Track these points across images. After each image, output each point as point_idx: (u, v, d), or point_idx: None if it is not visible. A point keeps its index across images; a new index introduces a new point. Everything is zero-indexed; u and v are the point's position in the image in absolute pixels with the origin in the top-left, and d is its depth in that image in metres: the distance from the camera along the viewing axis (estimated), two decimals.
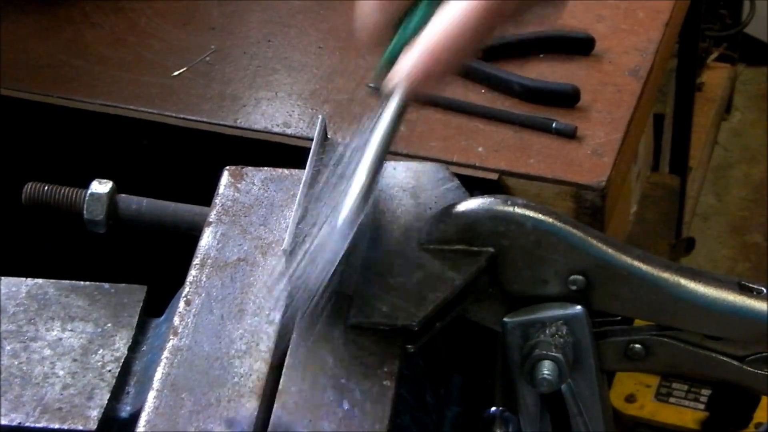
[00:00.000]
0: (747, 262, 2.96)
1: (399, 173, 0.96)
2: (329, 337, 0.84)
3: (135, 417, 0.82)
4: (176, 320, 0.87)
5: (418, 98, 0.82)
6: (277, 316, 0.86)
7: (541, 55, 1.43)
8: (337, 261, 0.79)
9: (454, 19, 0.80)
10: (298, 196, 0.87)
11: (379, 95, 0.83)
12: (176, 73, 1.43)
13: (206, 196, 0.99)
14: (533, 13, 0.85)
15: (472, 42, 0.80)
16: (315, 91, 1.40)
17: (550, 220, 0.86)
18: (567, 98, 1.35)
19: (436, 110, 1.34)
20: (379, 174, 0.82)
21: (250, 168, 1.00)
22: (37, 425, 0.85)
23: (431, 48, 0.79)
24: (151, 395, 0.82)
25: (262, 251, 0.92)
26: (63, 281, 0.96)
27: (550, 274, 0.87)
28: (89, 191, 1.02)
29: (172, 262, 0.93)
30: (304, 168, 0.91)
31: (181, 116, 1.36)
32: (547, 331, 0.87)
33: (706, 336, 0.89)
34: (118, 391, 0.88)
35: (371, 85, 0.84)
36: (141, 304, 0.95)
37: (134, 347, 0.92)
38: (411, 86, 0.81)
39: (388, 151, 0.82)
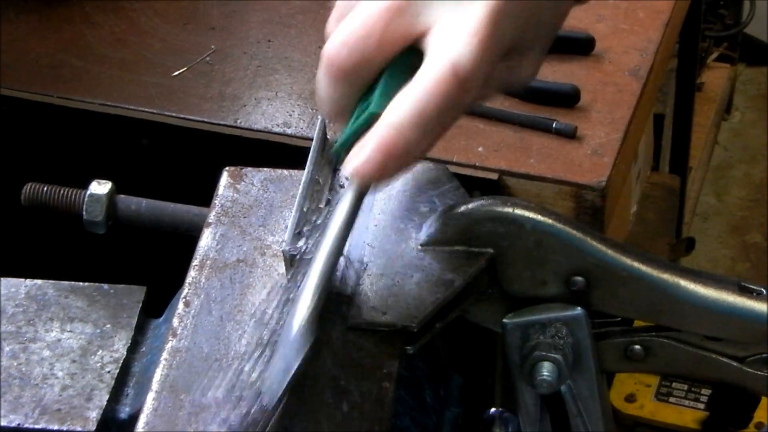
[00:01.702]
0: (747, 262, 2.96)
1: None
2: (328, 338, 0.84)
3: (134, 418, 0.82)
4: (175, 321, 0.86)
5: (378, 185, 0.78)
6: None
7: None
8: (294, 370, 0.74)
9: (414, 101, 0.74)
10: (298, 198, 0.86)
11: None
12: (176, 73, 1.43)
13: (206, 197, 0.99)
14: (505, 83, 0.81)
15: (435, 127, 0.75)
16: (315, 91, 1.39)
17: (550, 220, 0.86)
18: (567, 98, 1.35)
19: None
20: (335, 268, 0.78)
21: (249, 168, 0.99)
22: (36, 426, 0.85)
23: (384, 142, 0.74)
24: (150, 396, 0.82)
25: (261, 252, 0.92)
26: (62, 282, 0.96)
27: (550, 275, 0.87)
28: (88, 192, 1.02)
29: (172, 263, 0.93)
30: (304, 169, 0.91)
31: (181, 116, 1.36)
32: (546, 332, 0.87)
33: (706, 337, 0.89)
34: (117, 393, 0.88)
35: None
36: (140, 305, 0.95)
37: (133, 348, 0.92)
38: (363, 182, 0.77)
39: (345, 242, 0.79)
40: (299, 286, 0.79)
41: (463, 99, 0.75)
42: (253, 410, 0.76)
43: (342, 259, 0.82)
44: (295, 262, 0.84)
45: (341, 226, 0.78)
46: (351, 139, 0.77)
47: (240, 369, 0.80)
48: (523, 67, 0.82)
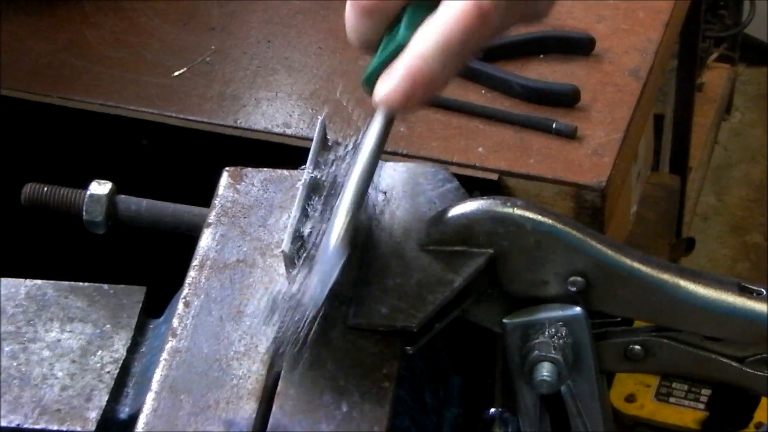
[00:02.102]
0: (747, 262, 2.96)
1: (399, 174, 0.96)
2: (328, 338, 0.84)
3: (134, 418, 0.82)
4: (175, 322, 0.86)
5: (405, 112, 0.81)
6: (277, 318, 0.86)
7: (541, 55, 1.43)
8: (332, 281, 0.79)
9: (438, 33, 0.78)
10: (298, 198, 0.86)
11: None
12: (176, 73, 1.43)
13: (206, 197, 0.99)
14: (523, 15, 0.84)
15: (458, 58, 0.79)
16: (315, 91, 1.39)
17: (550, 221, 0.86)
18: (567, 98, 1.35)
19: (436, 110, 1.34)
20: (367, 191, 0.82)
21: (249, 169, 0.99)
22: (36, 426, 0.85)
23: (411, 71, 0.78)
24: (150, 397, 0.82)
25: (261, 252, 0.92)
26: (62, 282, 0.96)
27: (550, 275, 0.87)
28: (88, 192, 1.01)
29: (172, 263, 0.93)
30: (304, 169, 0.91)
31: (181, 116, 1.36)
32: (546, 332, 0.87)
33: (706, 337, 0.89)
34: (116, 393, 0.88)
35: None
36: (140, 305, 0.94)
37: (133, 348, 0.92)
38: (391, 109, 0.80)
39: (376, 165, 0.82)
40: (335, 206, 0.82)
41: (485, 31, 0.79)
42: (295, 318, 0.80)
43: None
44: (323, 189, 0.87)
45: (372, 151, 0.81)
46: (378, 69, 0.80)
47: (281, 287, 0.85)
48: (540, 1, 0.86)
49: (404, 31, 0.80)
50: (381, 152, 0.82)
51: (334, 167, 0.89)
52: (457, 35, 0.78)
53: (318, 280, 0.79)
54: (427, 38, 0.78)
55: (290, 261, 0.84)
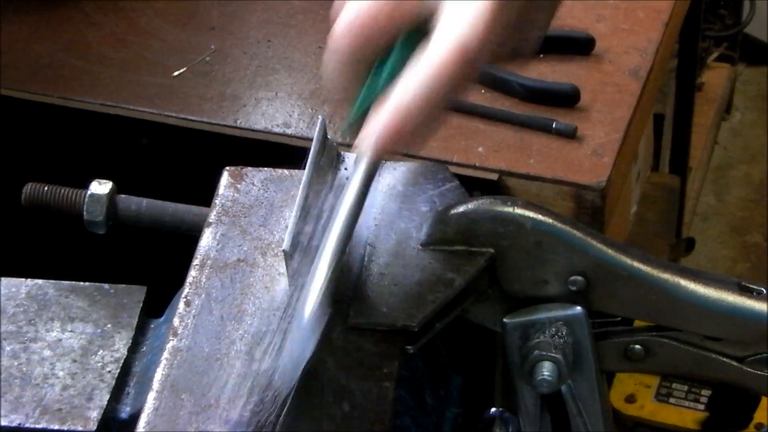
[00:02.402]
0: (747, 262, 2.96)
1: (399, 173, 0.96)
2: (328, 338, 0.84)
3: (135, 418, 0.82)
4: (176, 321, 0.86)
5: (391, 158, 0.80)
6: (277, 317, 0.86)
7: (541, 55, 1.43)
8: (308, 357, 0.76)
9: (423, 80, 0.76)
10: (298, 198, 0.86)
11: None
12: (176, 73, 1.43)
13: (206, 197, 0.99)
14: (509, 54, 0.83)
15: (444, 101, 0.77)
16: (315, 91, 1.40)
17: (550, 220, 0.86)
18: (567, 98, 1.35)
19: None
20: (345, 252, 0.79)
21: (249, 168, 0.99)
22: (37, 426, 0.85)
23: (397, 118, 0.76)
24: (151, 396, 0.82)
25: (261, 252, 0.92)
26: (63, 282, 0.96)
27: (550, 275, 0.87)
28: (89, 192, 1.01)
29: (172, 262, 0.93)
30: (304, 169, 0.91)
31: (181, 116, 1.36)
32: (546, 332, 0.87)
33: (706, 337, 0.89)
34: (117, 392, 0.88)
35: None
36: (141, 305, 0.94)
37: (134, 348, 0.92)
38: (379, 152, 0.78)
39: (355, 224, 0.80)
40: (309, 271, 0.79)
41: (470, 76, 0.78)
42: (266, 400, 0.77)
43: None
44: (300, 249, 0.84)
45: (351, 208, 0.79)
46: (362, 115, 0.79)
47: (250, 357, 0.81)
48: (529, 36, 0.85)
49: (387, 78, 0.78)
50: (360, 210, 0.80)
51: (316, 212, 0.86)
52: (441, 83, 0.76)
53: (289, 359, 0.76)
54: (411, 88, 0.76)
55: (291, 260, 0.84)
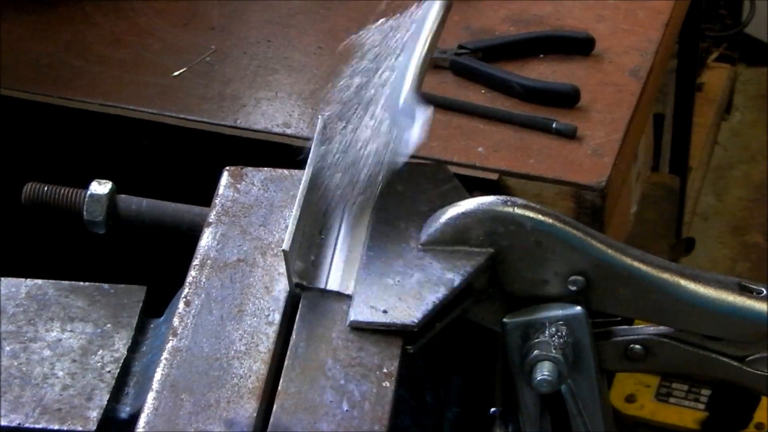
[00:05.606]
0: (747, 262, 2.95)
1: (399, 173, 0.96)
2: (328, 338, 0.84)
3: (134, 418, 0.82)
4: (176, 321, 0.87)
5: None
6: (277, 317, 0.86)
7: (541, 55, 1.43)
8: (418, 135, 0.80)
9: None
10: (298, 197, 0.87)
11: None
12: (176, 73, 1.43)
13: (206, 196, 0.99)
14: None
15: None
16: (315, 91, 1.39)
17: (550, 220, 0.86)
18: (567, 98, 1.35)
19: (436, 110, 1.34)
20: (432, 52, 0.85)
21: (249, 168, 1.00)
22: (37, 426, 0.85)
23: None
24: (151, 396, 0.82)
25: (261, 252, 0.92)
26: (63, 282, 0.96)
27: (550, 275, 0.87)
28: (89, 192, 1.02)
29: (172, 262, 0.93)
30: (304, 169, 0.91)
31: (181, 116, 1.36)
32: (546, 332, 0.87)
33: (706, 336, 0.89)
34: (117, 392, 0.88)
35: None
36: (140, 305, 0.95)
37: (134, 348, 0.92)
38: None
39: (437, 43, 0.84)
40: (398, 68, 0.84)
41: None
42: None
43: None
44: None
45: (432, 31, 0.84)
46: None
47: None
48: None
49: None
50: (440, 36, 0.84)
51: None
52: None
53: (399, 131, 0.81)
54: None
55: (291, 260, 0.84)
